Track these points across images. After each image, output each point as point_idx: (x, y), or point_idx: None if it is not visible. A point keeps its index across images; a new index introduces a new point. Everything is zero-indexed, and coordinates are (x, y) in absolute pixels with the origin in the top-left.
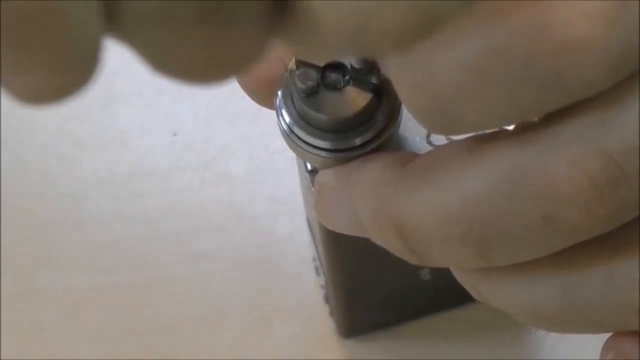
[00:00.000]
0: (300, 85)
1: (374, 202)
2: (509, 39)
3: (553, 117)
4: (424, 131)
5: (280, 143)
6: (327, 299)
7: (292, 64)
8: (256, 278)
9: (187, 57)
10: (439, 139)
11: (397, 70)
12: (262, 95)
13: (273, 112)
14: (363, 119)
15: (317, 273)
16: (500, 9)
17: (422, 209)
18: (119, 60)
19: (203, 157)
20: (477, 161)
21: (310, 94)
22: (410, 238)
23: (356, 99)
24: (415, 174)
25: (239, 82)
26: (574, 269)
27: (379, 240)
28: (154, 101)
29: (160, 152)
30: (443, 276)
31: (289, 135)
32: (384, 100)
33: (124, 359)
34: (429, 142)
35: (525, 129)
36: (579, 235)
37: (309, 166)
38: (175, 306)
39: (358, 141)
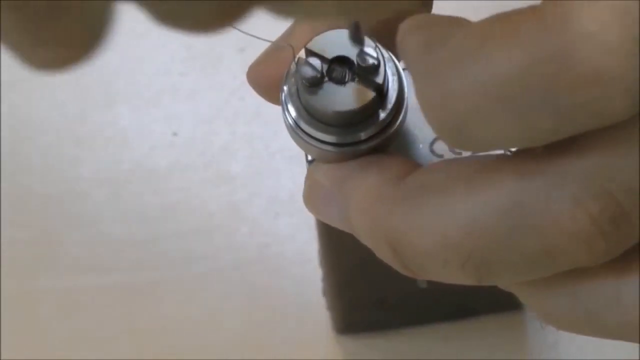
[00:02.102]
0: (305, 74)
1: (369, 217)
2: (529, 65)
3: (556, 149)
4: (428, 139)
5: (280, 143)
6: (324, 292)
7: (301, 53)
8: (256, 278)
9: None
10: (442, 148)
11: (419, 84)
12: (271, 92)
13: (273, 113)
14: (365, 115)
15: (320, 265)
16: (521, 32)
17: (421, 233)
18: (119, 60)
19: (203, 157)
20: (479, 189)
21: (314, 85)
22: (405, 257)
23: (359, 95)
24: (414, 194)
25: (248, 80)
26: (582, 285)
27: (371, 248)
28: (154, 101)
29: (160, 152)
30: (440, 287)
31: (294, 128)
32: (388, 99)
33: (124, 359)
34: (432, 151)
35: (527, 157)
36: (578, 266)
37: (309, 157)
38: (175, 306)
39: (361, 136)
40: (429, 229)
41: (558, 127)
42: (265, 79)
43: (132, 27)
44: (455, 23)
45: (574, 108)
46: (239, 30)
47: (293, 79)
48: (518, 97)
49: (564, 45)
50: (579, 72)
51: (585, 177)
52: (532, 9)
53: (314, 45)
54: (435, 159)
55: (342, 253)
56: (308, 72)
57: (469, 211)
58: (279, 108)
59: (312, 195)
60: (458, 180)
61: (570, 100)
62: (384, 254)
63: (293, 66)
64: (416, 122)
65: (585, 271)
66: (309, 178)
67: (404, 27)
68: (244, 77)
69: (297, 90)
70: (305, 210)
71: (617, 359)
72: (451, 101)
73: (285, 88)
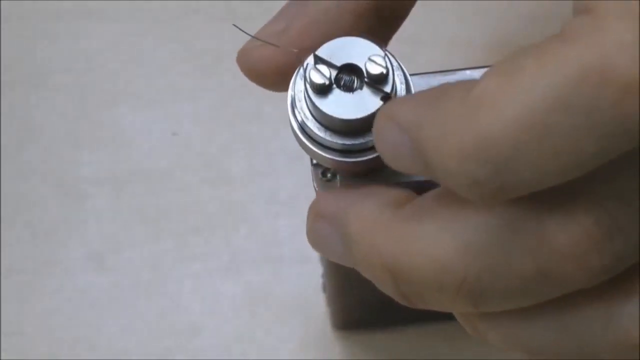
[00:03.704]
0: (313, 80)
1: (368, 243)
2: (569, 87)
3: None
4: None
5: (280, 143)
6: (324, 288)
7: (309, 59)
8: (256, 278)
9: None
10: None
11: (438, 139)
12: (263, 77)
13: (273, 113)
14: (371, 124)
15: (321, 262)
16: (553, 56)
17: (417, 258)
18: (119, 60)
19: (203, 157)
20: (472, 213)
21: (322, 91)
22: (403, 284)
23: (366, 103)
24: (410, 221)
25: (238, 63)
26: (572, 307)
27: (371, 279)
28: (154, 101)
29: (160, 152)
30: None
31: (300, 134)
32: None
33: (124, 358)
34: None
35: None
36: (574, 287)
37: (313, 160)
38: (175, 306)
39: (368, 144)
40: (424, 254)
41: (603, 149)
42: (255, 64)
43: (132, 27)
44: (446, 84)
45: (619, 124)
46: (239, 29)
47: (300, 85)
48: (562, 120)
49: (601, 57)
50: (620, 83)
51: (577, 193)
52: (555, 35)
53: (322, 52)
54: None
55: None
56: (317, 78)
57: (461, 234)
58: (279, 108)
59: (315, 229)
60: (452, 204)
61: (615, 115)
62: (382, 283)
63: (301, 72)
64: None
65: (572, 297)
66: (311, 213)
67: (390, 105)
68: (244, 77)
69: (305, 96)
70: (305, 210)
71: None
72: (488, 141)
73: (292, 93)
